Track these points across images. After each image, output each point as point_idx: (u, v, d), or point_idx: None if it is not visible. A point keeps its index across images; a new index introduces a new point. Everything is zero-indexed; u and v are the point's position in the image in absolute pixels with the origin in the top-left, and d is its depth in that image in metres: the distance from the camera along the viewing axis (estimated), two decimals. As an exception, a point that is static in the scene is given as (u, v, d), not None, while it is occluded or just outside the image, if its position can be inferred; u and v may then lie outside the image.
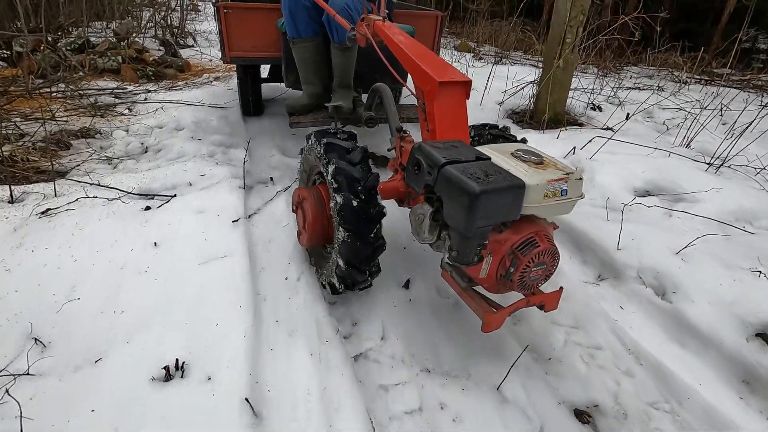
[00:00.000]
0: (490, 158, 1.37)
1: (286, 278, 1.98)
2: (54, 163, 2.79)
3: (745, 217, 2.38)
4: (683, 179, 2.68)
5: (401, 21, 3.21)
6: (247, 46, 3.14)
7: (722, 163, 2.88)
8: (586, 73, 6.43)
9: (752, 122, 3.28)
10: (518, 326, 1.87)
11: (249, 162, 3.03)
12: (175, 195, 2.46)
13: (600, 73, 6.23)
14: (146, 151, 3.15)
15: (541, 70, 4.28)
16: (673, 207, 2.49)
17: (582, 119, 4.25)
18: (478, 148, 1.48)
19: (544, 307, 1.57)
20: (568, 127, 3.80)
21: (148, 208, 2.33)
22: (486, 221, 1.23)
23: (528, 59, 7.63)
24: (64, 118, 3.45)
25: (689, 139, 3.44)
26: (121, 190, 2.45)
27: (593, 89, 4.76)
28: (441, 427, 1.44)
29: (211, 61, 6.00)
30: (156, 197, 2.44)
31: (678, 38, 7.28)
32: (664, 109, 4.54)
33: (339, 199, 1.57)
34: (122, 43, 5.37)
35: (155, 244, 2.03)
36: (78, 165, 2.84)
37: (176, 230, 2.13)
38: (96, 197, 2.35)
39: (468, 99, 1.65)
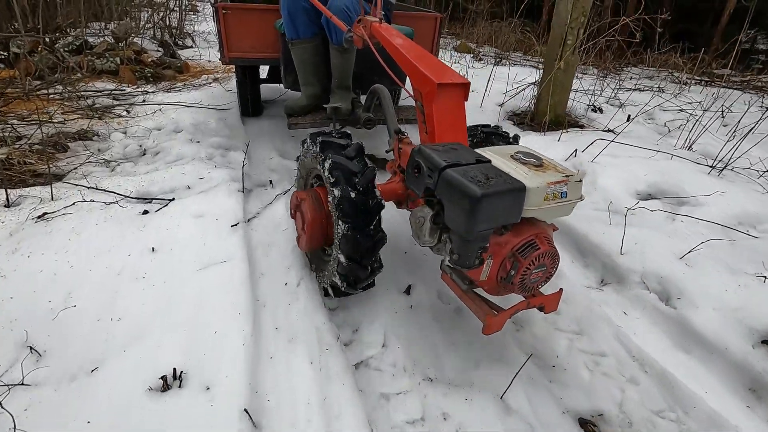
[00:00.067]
0: (490, 161, 1.37)
1: (286, 284, 1.96)
2: (51, 166, 2.76)
3: (749, 221, 2.36)
4: (686, 182, 2.65)
5: (400, 22, 3.20)
6: (246, 46, 3.13)
7: (725, 166, 2.85)
8: (585, 74, 6.41)
9: (756, 123, 3.25)
10: (521, 332, 1.85)
11: (248, 165, 3.00)
12: (173, 199, 2.44)
13: (600, 75, 6.22)
14: (144, 154, 3.13)
15: (541, 71, 4.26)
16: (676, 211, 2.46)
17: (583, 121, 4.23)
18: (478, 150, 1.47)
19: (544, 308, 1.56)
20: (569, 129, 3.78)
21: (146, 212, 2.30)
22: (487, 225, 1.22)
23: (528, 60, 7.61)
24: (62, 120, 3.42)
25: (691, 141, 3.42)
26: (118, 194, 2.42)
27: (594, 91, 4.73)
28: (444, 437, 1.42)
29: (209, 62, 5.97)
30: (154, 201, 2.41)
31: (677, 39, 7.27)
32: (664, 110, 4.52)
33: (337, 193, 1.57)
34: (120, 44, 5.34)
35: (153, 249, 2.01)
36: (75, 168, 2.81)
37: (174, 235, 2.11)
38: (93, 201, 2.33)
39: (466, 101, 1.64)
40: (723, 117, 4.29)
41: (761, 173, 2.95)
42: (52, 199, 2.37)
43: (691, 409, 1.54)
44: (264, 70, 4.36)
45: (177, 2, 7.46)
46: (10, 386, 1.36)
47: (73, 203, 2.30)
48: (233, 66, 4.28)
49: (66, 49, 4.87)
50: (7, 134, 3.02)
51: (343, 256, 1.63)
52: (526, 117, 4.14)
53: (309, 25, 2.64)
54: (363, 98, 2.59)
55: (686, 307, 1.89)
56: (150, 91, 4.48)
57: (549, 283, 1.61)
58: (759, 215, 2.38)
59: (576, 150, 3.12)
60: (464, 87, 1.61)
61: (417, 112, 1.73)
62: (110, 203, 2.33)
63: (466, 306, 1.59)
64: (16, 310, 1.63)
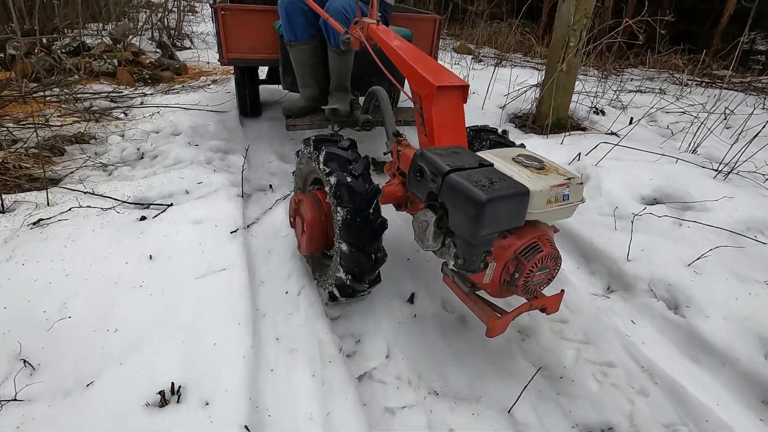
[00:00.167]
0: (492, 164, 1.36)
1: (287, 292, 1.92)
2: (47, 170, 2.72)
3: (757, 226, 2.32)
4: (691, 187, 2.62)
5: (399, 24, 3.18)
6: (245, 47, 3.12)
7: (731, 170, 2.82)
8: (586, 75, 6.37)
9: (763, 127, 3.22)
10: (527, 342, 1.81)
11: (247, 168, 2.96)
12: (171, 204, 2.39)
13: (601, 76, 6.18)
14: (142, 158, 3.08)
15: (542, 72, 4.23)
16: (682, 216, 2.43)
17: (585, 123, 4.19)
18: (479, 153, 1.46)
19: (546, 310, 1.56)
20: (571, 132, 3.74)
21: (143, 218, 2.26)
22: (492, 229, 1.22)
23: (528, 61, 7.58)
24: (58, 123, 3.38)
25: (695, 144, 3.38)
26: (115, 199, 2.37)
27: (596, 93, 4.70)
28: (450, 453, 1.38)
29: (208, 63, 5.93)
30: (152, 206, 2.37)
31: (677, 40, 7.25)
32: (667, 113, 4.49)
33: (341, 213, 1.56)
34: (118, 46, 5.30)
35: (150, 257, 1.96)
36: (72, 172, 2.77)
37: (172, 242, 2.06)
38: (90, 207, 2.28)
39: (465, 103, 1.64)
40: (725, 119, 4.26)
41: (767, 177, 2.91)
42: (48, 204, 2.32)
43: (703, 422, 1.50)
44: (263, 72, 4.34)
45: (175, 3, 7.41)
46: (2, 402, 1.31)
47: (69, 209, 2.26)
48: (232, 67, 4.26)
49: (63, 50, 4.82)
50: (2, 138, 2.97)
51: (343, 272, 1.60)
52: (528, 119, 4.11)
53: (307, 26, 2.63)
54: (362, 100, 2.57)
55: (695, 315, 1.85)
56: (148, 93, 4.44)
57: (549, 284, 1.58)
58: (767, 220, 2.35)
59: (579, 154, 3.08)
60: (463, 89, 1.61)
61: (415, 114, 1.72)
62: (107, 209, 2.29)
63: (468, 309, 1.58)
64: (9, 321, 1.58)
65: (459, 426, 1.43)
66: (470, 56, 7.40)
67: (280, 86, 3.21)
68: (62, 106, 3.72)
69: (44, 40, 4.85)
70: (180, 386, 1.38)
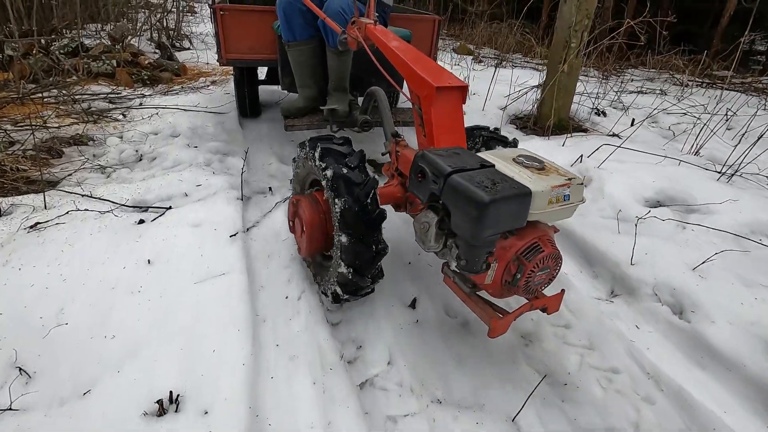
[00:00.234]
0: (494, 165, 1.36)
1: (287, 297, 1.89)
2: (45, 172, 2.69)
3: (761, 229, 2.30)
4: (695, 189, 2.59)
5: (398, 25, 3.17)
6: (244, 48, 3.11)
7: (734, 173, 2.80)
8: (586, 76, 6.35)
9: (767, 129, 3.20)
10: (530, 348, 1.78)
11: (247, 170, 2.94)
12: (170, 207, 2.37)
13: (602, 77, 6.16)
14: (141, 159, 3.06)
15: (542, 73, 4.21)
16: (686, 219, 2.40)
17: (586, 125, 4.17)
18: (480, 154, 1.45)
19: (547, 309, 1.56)
20: (573, 134, 3.71)
21: (141, 221, 2.23)
22: (495, 230, 1.22)
23: (527, 62, 7.56)
24: (56, 125, 3.35)
25: (698, 146, 3.36)
26: (113, 202, 2.35)
27: (597, 94, 4.67)
28: (453, 462, 1.35)
29: (207, 64, 5.90)
30: (150, 209, 2.34)
31: (677, 40, 7.22)
32: (668, 114, 4.47)
33: (339, 204, 1.54)
34: (117, 47, 5.27)
35: (149, 261, 1.94)
36: (70, 174, 2.74)
37: (171, 246, 2.04)
38: (87, 210, 2.26)
39: (464, 104, 1.63)
40: (727, 121, 4.24)
41: (771, 179, 2.89)
42: (45, 207, 2.30)
43: (710, 430, 1.47)
44: (263, 72, 4.32)
45: (174, 3, 7.38)
46: (-3, 411, 1.29)
47: (67, 212, 2.24)
48: (231, 68, 4.25)
49: (61, 51, 4.80)
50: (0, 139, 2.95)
51: (344, 265, 1.60)
52: (529, 121, 4.08)
53: (305, 27, 2.62)
54: (361, 100, 2.57)
55: (700, 320, 1.83)
56: (147, 94, 4.41)
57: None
58: (771, 224, 2.32)
59: (581, 155, 3.06)
60: (462, 90, 1.61)
61: (414, 115, 1.71)
62: (105, 212, 2.27)
63: (470, 310, 1.56)
64: (5, 328, 1.56)
65: (462, 435, 1.41)
66: (470, 57, 7.38)
67: (279, 87, 3.20)
68: (60, 107, 3.70)
69: (42, 41, 4.82)
70: (178, 395, 1.35)
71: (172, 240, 2.09)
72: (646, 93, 5.44)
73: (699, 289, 1.94)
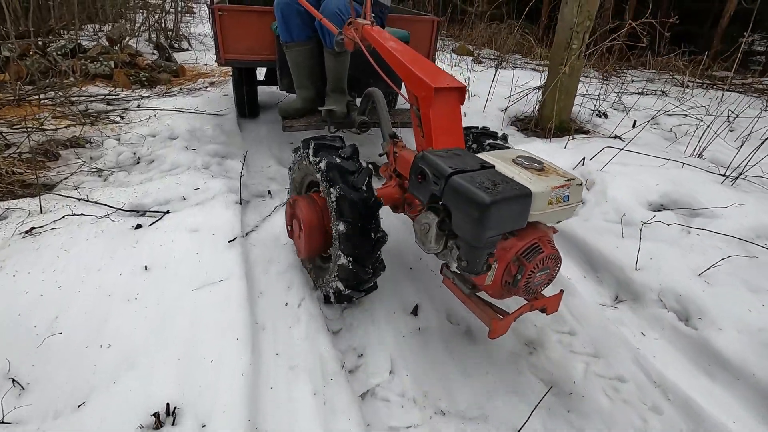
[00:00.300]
0: (494, 166, 1.36)
1: (286, 304, 1.86)
2: (41, 175, 2.66)
3: (767, 233, 2.27)
4: (699, 192, 2.56)
5: (396, 26, 3.16)
6: (242, 48, 3.10)
7: (738, 176, 2.77)
8: (586, 77, 6.33)
9: None
10: (534, 356, 1.75)
11: (245, 173, 2.90)
12: (168, 211, 2.33)
13: (602, 78, 6.14)
14: (138, 162, 3.02)
15: (543, 74, 4.17)
16: (690, 222, 2.37)
17: (588, 127, 4.14)
18: (480, 155, 1.45)
19: (546, 310, 1.56)
20: (574, 136, 3.68)
21: (139, 226, 2.20)
22: (496, 231, 1.22)
23: (527, 63, 7.53)
24: (53, 127, 3.31)
25: (701, 148, 3.33)
26: (110, 207, 2.31)
27: (599, 95, 4.64)
28: (457, 475, 1.32)
29: (206, 65, 5.87)
30: (147, 214, 2.31)
31: (677, 41, 7.19)
32: (670, 115, 4.44)
33: (334, 194, 1.57)
34: (115, 47, 5.23)
35: (146, 267, 1.90)
36: (66, 178, 2.71)
37: (168, 252, 2.00)
38: (84, 214, 2.22)
39: (462, 104, 1.63)
40: (729, 122, 4.21)
41: (776, 182, 2.87)
42: (41, 212, 2.26)
43: (719, 441, 1.45)
44: (261, 73, 4.30)
45: (173, 4, 7.35)
46: (-11, 425, 1.25)
47: (63, 217, 2.20)
48: (230, 69, 4.22)
49: (59, 52, 4.75)
50: (-5, 142, 2.91)
51: (344, 257, 1.60)
52: (531, 122, 4.05)
53: (303, 27, 2.62)
54: (359, 101, 2.56)
55: (707, 327, 1.80)
56: (145, 95, 4.37)
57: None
58: (777, 228, 2.29)
59: (584, 158, 3.03)
60: (460, 91, 1.61)
61: (412, 116, 1.71)
62: (101, 217, 2.23)
63: (471, 312, 1.55)
64: (-2, 337, 1.52)
65: (467, 447, 1.38)
66: (470, 58, 7.35)
67: (282, 91, 3.18)
68: (57, 109, 3.66)
69: (39, 42, 4.79)
70: (175, 407, 1.32)
71: (169, 245, 2.06)
72: (647, 94, 5.41)
73: (705, 295, 1.91)
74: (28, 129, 3.00)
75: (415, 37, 3.18)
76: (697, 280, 1.99)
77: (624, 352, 1.77)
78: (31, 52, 4.46)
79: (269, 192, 2.76)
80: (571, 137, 3.56)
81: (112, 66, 4.74)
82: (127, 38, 5.93)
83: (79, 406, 1.33)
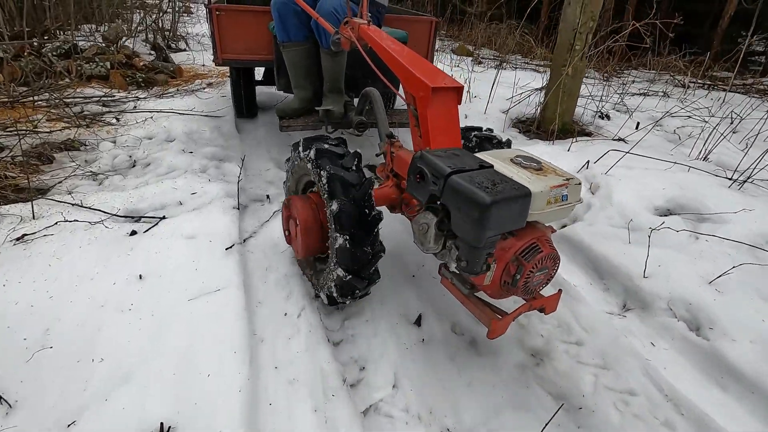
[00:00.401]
0: (492, 166, 1.35)
1: (286, 314, 1.80)
2: (34, 179, 2.59)
3: (777, 239, 2.22)
4: (707, 197, 2.51)
5: (395, 26, 3.16)
6: (240, 48, 3.07)
7: (746, 179, 2.72)
8: (587, 77, 6.27)
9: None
10: (542, 368, 1.70)
11: (243, 177, 2.84)
12: (163, 217, 2.28)
13: (603, 79, 6.09)
14: (134, 165, 2.96)
15: (544, 75, 4.12)
16: (698, 228, 2.32)
17: (590, 128, 4.09)
18: (478, 155, 1.44)
19: (544, 310, 1.55)
20: (577, 138, 3.63)
21: (134, 232, 2.14)
22: (496, 231, 1.21)
23: (527, 63, 7.48)
24: (47, 130, 3.24)
25: (706, 151, 3.28)
26: (105, 212, 2.25)
27: (602, 96, 4.59)
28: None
29: (203, 66, 5.80)
30: (143, 220, 2.25)
31: (676, 41, 7.15)
32: (672, 116, 4.39)
33: (335, 206, 1.53)
34: (111, 48, 5.16)
35: (140, 276, 1.84)
36: (60, 182, 2.64)
37: (164, 260, 1.95)
38: (77, 221, 2.16)
39: (460, 104, 1.62)
40: (732, 123, 4.17)
41: (783, 186, 2.82)
42: (34, 217, 2.20)
43: (735, 459, 1.40)
44: (259, 73, 4.26)
45: (170, 4, 7.28)
46: (-26, 446, 1.20)
47: (56, 223, 2.14)
48: (228, 70, 4.17)
49: (54, 53, 4.69)
50: (-13, 146, 2.85)
51: (341, 268, 1.58)
52: (533, 124, 4.00)
53: (300, 27, 2.61)
54: (357, 101, 2.53)
55: (719, 338, 1.75)
56: (141, 97, 4.31)
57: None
58: (787, 234, 2.25)
59: (588, 161, 2.97)
60: (457, 91, 1.60)
61: (410, 116, 1.69)
62: (95, 223, 2.17)
63: (469, 311, 1.54)
64: (-14, 351, 1.46)
65: (474, 467, 1.33)
66: (470, 58, 7.30)
67: (281, 92, 3.14)
68: (52, 111, 3.59)
69: (34, 42, 4.72)
70: (170, 427, 1.26)
71: (165, 253, 2.00)
72: (649, 95, 5.37)
73: (716, 304, 1.86)
74: (19, 132, 2.93)
75: (414, 38, 3.17)
76: (708, 288, 1.94)
77: (633, 363, 1.72)
78: (25, 53, 4.40)
79: (267, 196, 2.71)
80: (574, 140, 3.51)
81: (109, 67, 4.67)
82: (124, 39, 5.86)
83: (69, 425, 1.27)
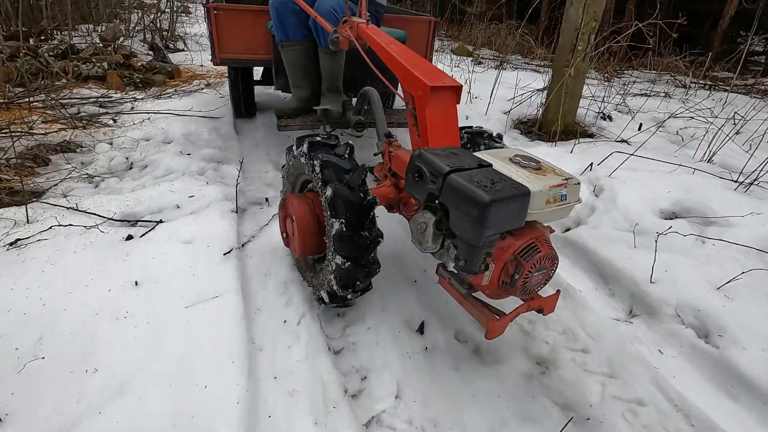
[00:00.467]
0: (491, 165, 1.34)
1: (285, 321, 1.76)
2: (29, 182, 2.55)
3: (785, 244, 2.18)
4: (713, 200, 2.47)
5: (393, 26, 3.15)
6: (238, 48, 3.05)
7: (752, 182, 2.68)
8: (588, 78, 6.23)
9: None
10: (547, 377, 1.66)
11: (242, 179, 2.80)
12: (160, 220, 2.23)
13: (604, 79, 6.05)
14: (131, 168, 2.92)
15: (544, 75, 4.08)
16: (704, 232, 2.28)
17: (593, 130, 4.05)
18: (477, 154, 1.43)
19: (543, 310, 1.53)
20: (580, 140, 3.59)
21: (130, 237, 2.09)
22: (495, 230, 1.20)
23: (527, 64, 7.44)
24: (42, 131, 3.20)
25: (711, 153, 3.24)
26: (100, 216, 2.21)
27: (604, 97, 4.55)
28: None
29: (201, 66, 5.76)
30: (139, 224, 2.21)
31: (678, 41, 7.12)
32: (675, 117, 4.35)
33: (329, 192, 1.54)
34: (108, 48, 5.11)
35: (136, 282, 1.80)
36: (55, 184, 2.60)
37: (161, 265, 1.90)
38: (72, 225, 2.11)
39: (458, 104, 1.61)
40: (735, 124, 4.13)
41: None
42: (28, 221, 2.16)
43: (748, 472, 1.36)
44: (258, 72, 4.22)
45: (168, 4, 7.23)
46: (-39, 463, 1.15)
47: (50, 227, 2.09)
48: (226, 71, 4.14)
49: (50, 53, 4.64)
50: (-19, 148, 2.80)
51: (339, 257, 1.55)
52: (534, 125, 3.96)
53: (298, 26, 2.59)
54: (355, 101, 2.51)
55: (729, 346, 1.71)
56: (139, 98, 4.26)
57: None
58: (796, 238, 2.21)
59: (591, 163, 2.93)
60: (456, 90, 1.59)
61: (408, 115, 1.68)
62: (91, 227, 2.12)
63: (467, 311, 1.52)
64: (-24, 362, 1.42)
65: (481, 483, 1.28)
66: (470, 58, 7.26)
67: (279, 91, 3.11)
68: (47, 112, 3.55)
69: (31, 41, 4.67)
70: (166, 441, 1.22)
71: (161, 258, 1.95)
72: (650, 96, 5.33)
73: (725, 310, 1.82)
74: (12, 134, 2.89)
75: (412, 38, 3.15)
76: (716, 294, 1.90)
77: (641, 372, 1.68)
78: (21, 53, 4.35)
79: (266, 199, 2.66)
80: (577, 141, 3.47)
81: (106, 67, 4.63)
82: (122, 39, 5.81)
83: (61, 440, 1.23)
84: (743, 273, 1.91)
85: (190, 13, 10.65)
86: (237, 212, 2.40)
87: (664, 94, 5.39)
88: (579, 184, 1.38)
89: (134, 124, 3.55)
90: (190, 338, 1.57)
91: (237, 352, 1.54)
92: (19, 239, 2.00)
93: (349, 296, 1.63)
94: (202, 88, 4.70)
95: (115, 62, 4.76)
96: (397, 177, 1.91)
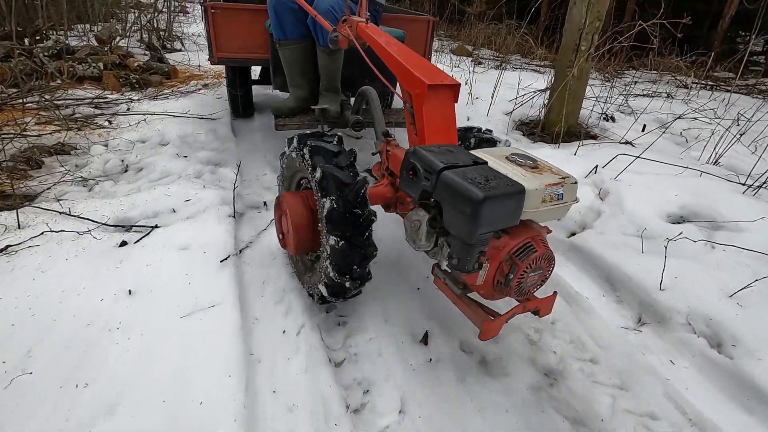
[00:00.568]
0: (486, 162, 1.32)
1: (284, 332, 1.70)
2: (21, 185, 2.49)
3: (797, 249, 2.13)
4: (721, 204, 2.42)
5: (392, 25, 3.13)
6: (235, 47, 3.02)
7: (761, 185, 2.62)
8: (591, 78, 6.18)
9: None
10: (555, 388, 1.60)
11: (239, 183, 2.74)
12: (156, 226, 2.17)
13: (605, 80, 6.00)
14: (126, 170, 2.86)
15: (545, 76, 4.03)
16: (713, 237, 2.23)
17: (595, 131, 3.99)
18: (473, 152, 1.41)
19: (539, 312, 1.51)
20: (583, 141, 3.54)
21: (124, 243, 2.03)
22: (488, 228, 1.19)
23: (527, 64, 7.39)
24: (36, 133, 3.13)
25: (717, 155, 3.19)
26: (94, 221, 2.15)
27: (606, 98, 4.50)
28: None
29: (199, 67, 5.69)
30: (134, 229, 2.15)
31: (678, 42, 7.08)
32: (679, 118, 4.30)
33: (327, 205, 1.50)
34: (105, 48, 5.05)
35: (130, 291, 1.74)
36: (48, 188, 2.53)
37: (155, 273, 1.84)
38: (64, 231, 2.05)
39: (456, 102, 1.58)
40: (738, 125, 4.08)
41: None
42: (19, 227, 2.10)
43: (768, 490, 1.30)
44: (256, 72, 4.17)
45: (166, 3, 7.16)
46: (-58, 487, 1.09)
47: (42, 233, 2.03)
48: (224, 71, 4.09)
49: (45, 53, 4.57)
50: (-28, 150, 2.73)
51: (332, 237, 1.52)
52: (537, 127, 3.90)
53: (297, 25, 2.56)
54: (353, 100, 2.49)
55: (743, 356, 1.65)
56: (135, 98, 4.19)
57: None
58: (807, 243, 2.15)
59: (596, 166, 2.88)
60: (454, 88, 1.56)
61: (406, 113, 1.65)
62: (83, 233, 2.06)
63: (461, 312, 1.49)
64: (-39, 376, 1.36)
65: (490, 505, 1.23)
66: (469, 58, 7.20)
67: (278, 91, 3.07)
68: (42, 113, 3.48)
69: (26, 41, 4.60)
70: (159, 463, 1.16)
71: (156, 265, 1.89)
72: (653, 96, 5.28)
73: (738, 319, 1.76)
74: (4, 136, 2.82)
75: (411, 37, 3.12)
76: (728, 301, 1.85)
77: (653, 383, 1.63)
78: (16, 54, 4.28)
79: (264, 203, 2.60)
80: (580, 143, 3.42)
81: (102, 68, 4.56)
82: (118, 39, 5.75)
83: (48, 461, 1.17)
84: (756, 280, 1.85)
85: (188, 13, 10.58)
86: (234, 217, 2.34)
87: (666, 95, 5.34)
88: (576, 183, 1.36)
89: (130, 125, 3.49)
90: (185, 350, 1.51)
91: (234, 364, 1.48)
92: (10, 245, 1.94)
93: (347, 284, 1.58)
94: (200, 89, 4.64)
95: (111, 62, 4.69)
96: (394, 176, 1.88)
